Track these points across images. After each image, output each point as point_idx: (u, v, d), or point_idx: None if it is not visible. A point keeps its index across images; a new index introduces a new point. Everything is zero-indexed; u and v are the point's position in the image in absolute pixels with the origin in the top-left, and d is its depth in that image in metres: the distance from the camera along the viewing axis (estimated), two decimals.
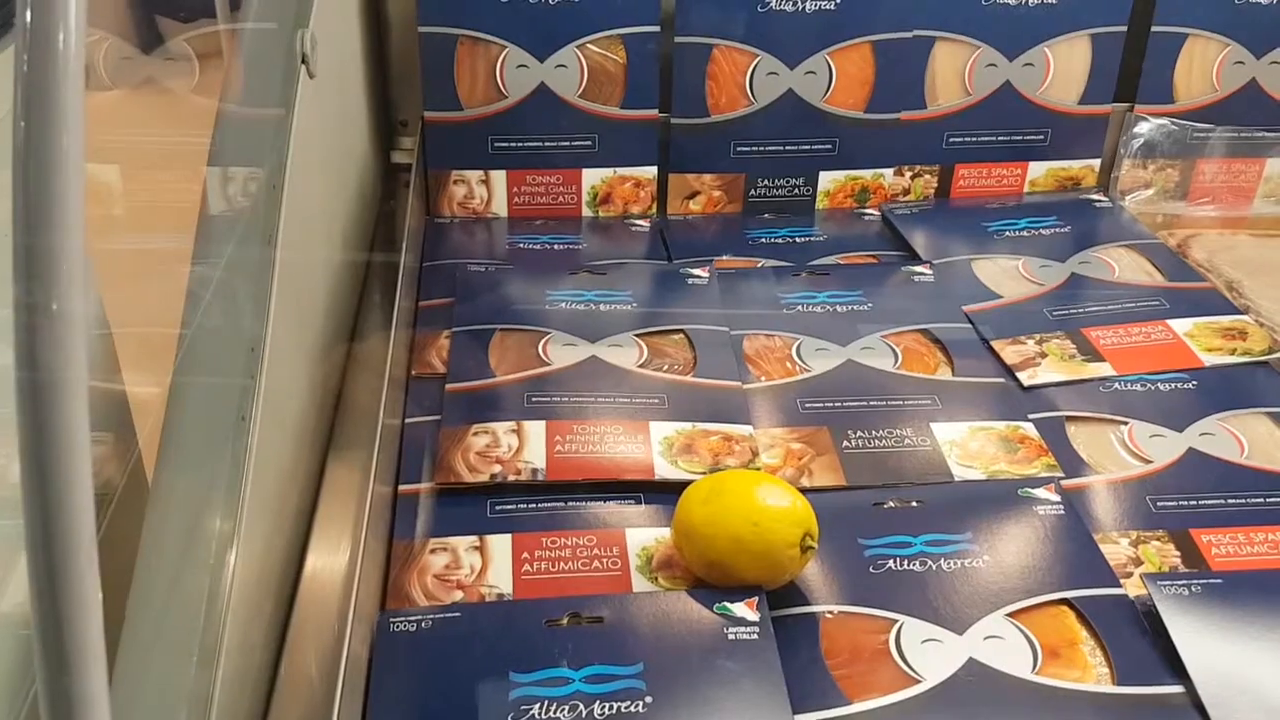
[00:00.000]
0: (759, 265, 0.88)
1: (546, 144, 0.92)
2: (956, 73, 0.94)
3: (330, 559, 0.60)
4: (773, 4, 0.89)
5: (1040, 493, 0.63)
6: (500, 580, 0.57)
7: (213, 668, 0.46)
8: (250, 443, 0.53)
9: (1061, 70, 0.94)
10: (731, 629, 0.53)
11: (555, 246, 0.90)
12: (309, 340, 0.68)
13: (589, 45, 0.89)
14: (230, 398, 0.54)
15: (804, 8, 0.89)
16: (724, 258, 0.89)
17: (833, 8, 0.90)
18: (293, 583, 0.58)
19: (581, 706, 0.49)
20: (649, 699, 0.50)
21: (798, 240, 0.92)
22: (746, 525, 0.54)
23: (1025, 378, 0.73)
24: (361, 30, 0.91)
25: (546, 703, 0.49)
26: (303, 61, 0.68)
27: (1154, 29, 0.94)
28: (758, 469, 0.64)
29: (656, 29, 0.90)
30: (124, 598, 0.45)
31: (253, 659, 0.52)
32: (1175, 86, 0.96)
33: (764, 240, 0.92)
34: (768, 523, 0.54)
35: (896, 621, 0.55)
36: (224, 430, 0.53)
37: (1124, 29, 0.93)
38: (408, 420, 0.69)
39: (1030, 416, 0.70)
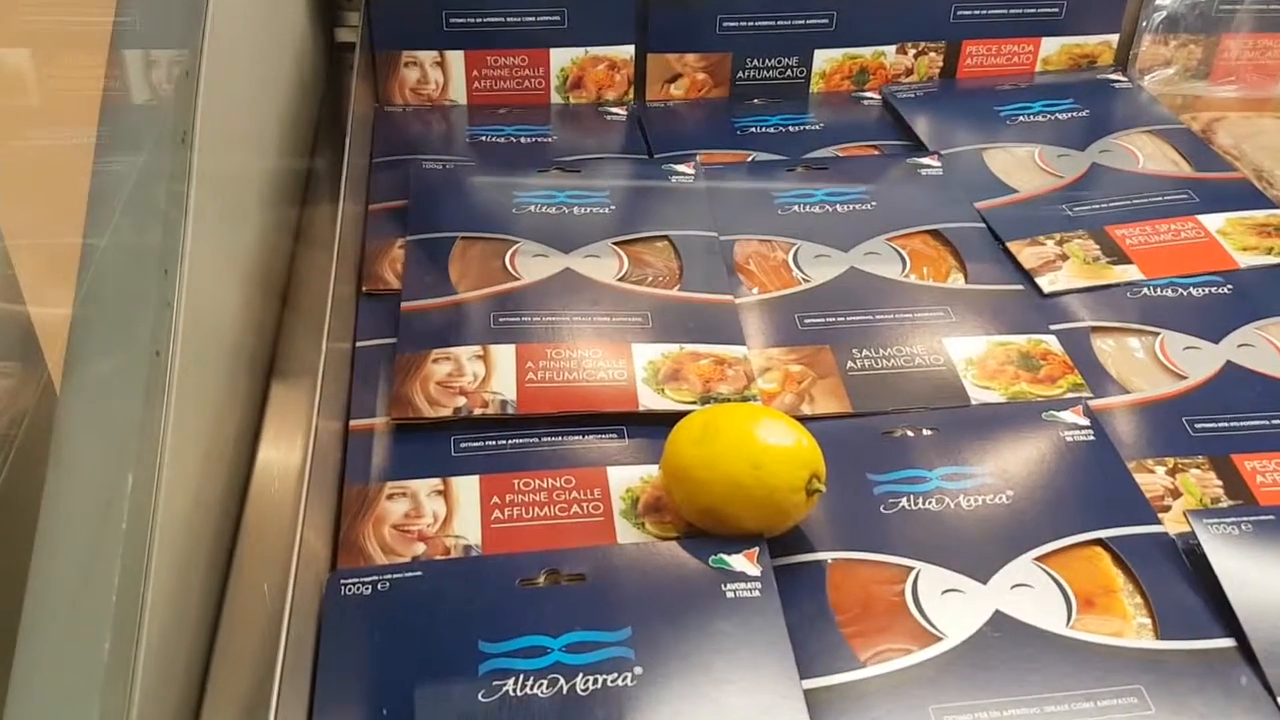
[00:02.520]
0: (749, 159, 0.80)
1: (509, 20, 0.82)
2: None
3: (273, 509, 0.53)
4: None
5: (1067, 416, 0.57)
6: (467, 530, 0.51)
7: (133, 643, 0.39)
8: (169, 381, 0.45)
9: None
10: (730, 585, 0.47)
11: (521, 139, 0.81)
12: (240, 253, 0.59)
13: None
14: (142, 329, 0.46)
15: None
16: (710, 151, 0.80)
17: None
18: (230, 538, 0.51)
19: (562, 680, 0.43)
20: (638, 669, 0.44)
21: (791, 129, 0.83)
22: (746, 468, 0.47)
23: (1045, 283, 0.66)
24: None
25: (522, 676, 0.43)
26: None
27: None
28: (754, 397, 0.58)
29: None
30: (27, 556, 0.39)
31: (183, 629, 0.45)
32: None
33: (754, 129, 0.83)
34: (770, 464, 0.47)
35: (912, 569, 0.49)
36: (136, 369, 0.45)
37: None
38: (358, 344, 0.61)
39: (1052, 328, 0.63)
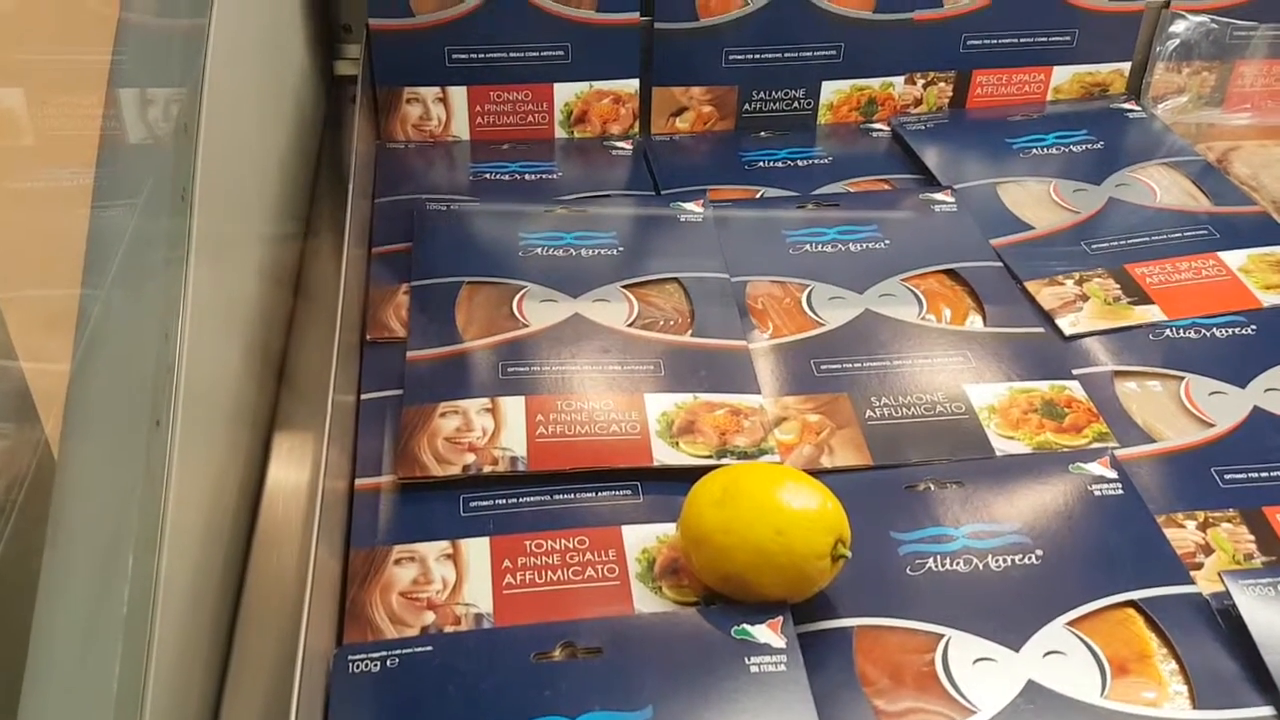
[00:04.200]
0: (758, 195, 0.78)
1: (512, 55, 0.81)
2: None
3: (277, 575, 0.51)
4: None
5: (1094, 468, 0.55)
6: (478, 597, 0.49)
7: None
8: (169, 452, 0.43)
9: None
10: (754, 659, 0.45)
11: (526, 176, 0.79)
12: (241, 308, 0.58)
13: None
14: (142, 397, 0.44)
15: None
16: (718, 186, 0.78)
17: None
18: (231, 610, 0.50)
19: None
20: None
21: (799, 163, 0.82)
22: (769, 534, 0.46)
23: (1066, 325, 0.65)
24: None
25: None
26: None
27: None
28: (772, 449, 0.56)
29: None
30: (26, 635, 0.37)
31: (185, 712, 0.43)
32: None
33: (762, 163, 0.82)
34: (793, 530, 0.46)
35: (942, 636, 0.47)
36: (137, 440, 0.43)
37: None
38: (364, 396, 0.60)
39: (1075, 372, 0.62)
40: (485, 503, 0.53)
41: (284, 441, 0.60)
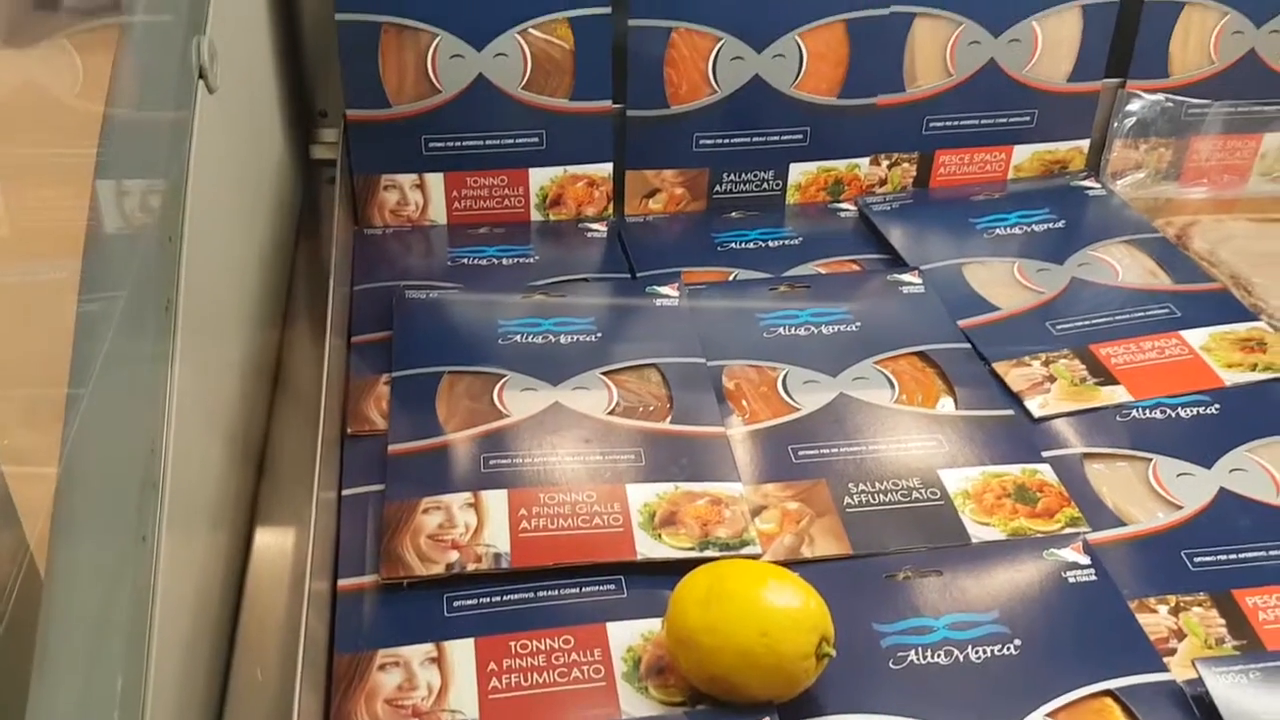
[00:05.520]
0: (731, 277, 0.79)
1: (488, 142, 0.82)
2: (937, 52, 0.85)
3: (258, 687, 0.51)
4: None
5: (1068, 554, 0.56)
6: (464, 703, 0.49)
7: None
8: (155, 570, 0.44)
9: (1050, 45, 0.86)
10: None
11: (503, 261, 0.80)
12: (222, 411, 0.58)
13: (531, 30, 0.79)
14: (128, 511, 0.44)
15: None
16: (691, 269, 0.80)
17: None
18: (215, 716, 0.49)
19: None
20: None
21: (770, 244, 0.84)
22: (754, 635, 0.46)
23: (1035, 407, 0.66)
24: (269, 14, 0.80)
25: None
26: (200, 76, 0.58)
27: None
28: (753, 540, 0.57)
29: (607, 10, 0.80)
30: None
31: None
32: (1170, 59, 0.89)
33: (734, 245, 0.83)
34: (778, 631, 0.46)
35: None
36: (124, 559, 0.43)
37: None
38: (345, 491, 0.60)
39: (1045, 454, 0.63)
40: (469, 601, 0.54)
41: (265, 537, 0.60)
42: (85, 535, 0.42)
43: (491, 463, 0.61)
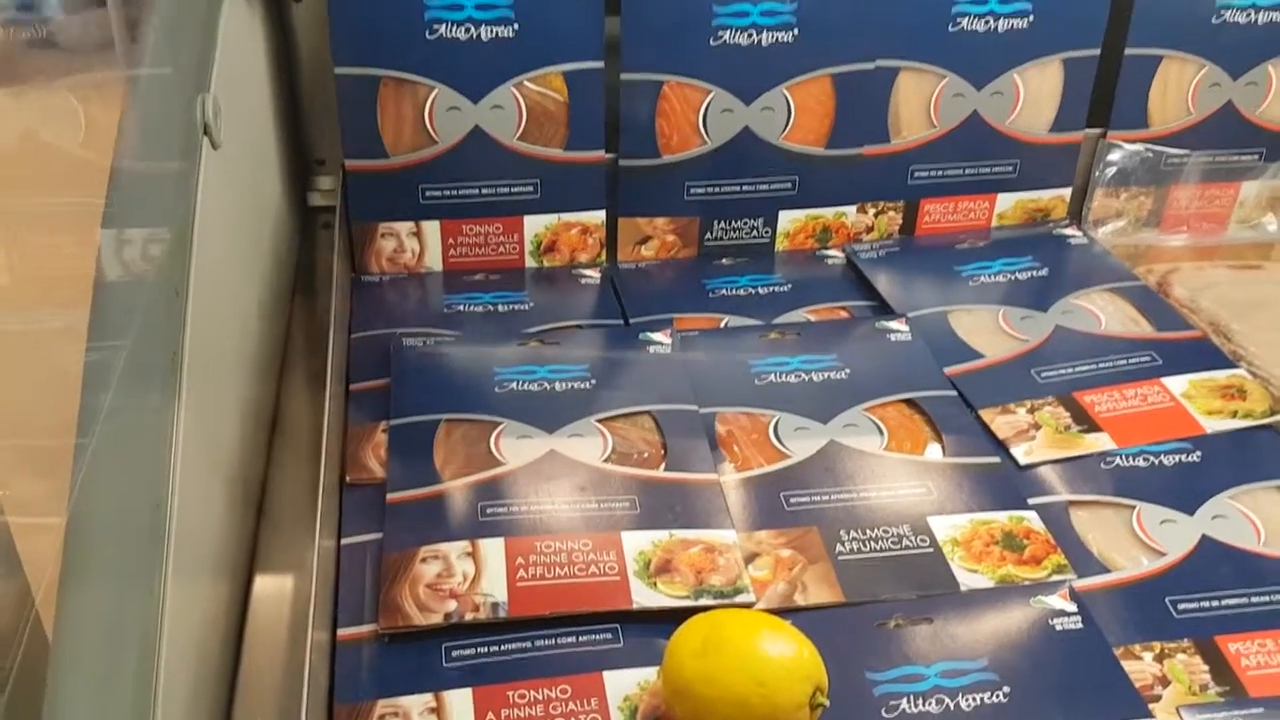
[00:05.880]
0: (722, 323, 0.81)
1: (484, 191, 0.84)
2: (921, 104, 0.87)
3: None
4: (726, 37, 0.81)
5: (1055, 601, 0.58)
6: None
7: None
8: (161, 624, 0.44)
9: (1032, 98, 0.88)
10: None
11: (499, 308, 0.82)
12: (225, 449, 0.59)
13: (526, 83, 0.81)
14: (134, 565, 0.45)
15: (759, 40, 0.82)
16: (684, 315, 0.81)
17: (790, 40, 0.82)
18: None
19: None
20: None
21: (760, 290, 0.85)
22: (750, 686, 0.47)
23: (1021, 455, 0.68)
24: (268, 67, 0.81)
25: None
26: (205, 132, 0.59)
27: (1128, 52, 0.88)
28: (746, 588, 0.58)
29: (600, 64, 0.81)
30: None
31: None
32: (1150, 111, 0.91)
33: (725, 291, 0.85)
34: (774, 682, 0.47)
35: None
36: (131, 613, 0.44)
37: (1097, 52, 0.88)
38: (344, 540, 0.61)
39: (1031, 502, 0.64)
40: (468, 651, 0.54)
41: (264, 585, 0.60)
42: (94, 588, 0.43)
43: (489, 511, 0.62)
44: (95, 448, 0.46)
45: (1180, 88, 0.90)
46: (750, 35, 0.81)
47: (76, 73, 0.72)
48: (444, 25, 0.78)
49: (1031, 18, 0.85)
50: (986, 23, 0.85)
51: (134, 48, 0.75)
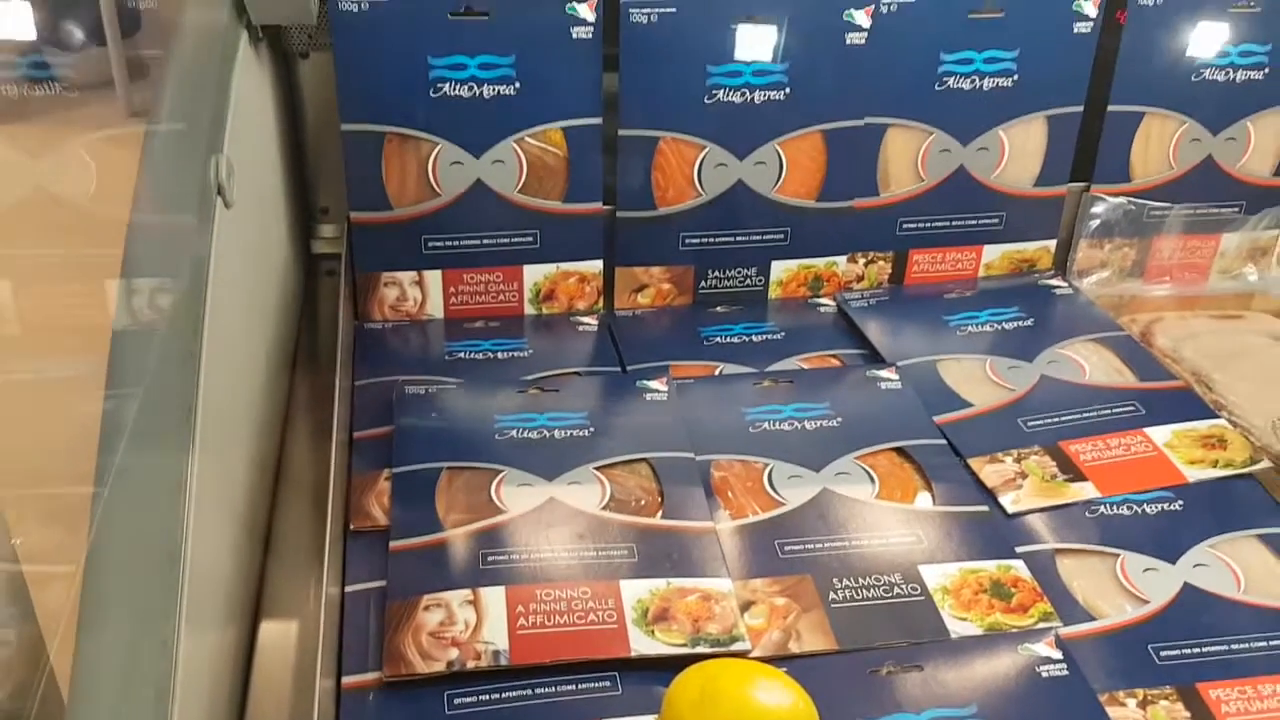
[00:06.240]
0: (717, 371, 0.83)
1: (485, 241, 0.86)
2: (909, 159, 0.90)
3: None
4: (720, 95, 0.84)
5: (1041, 648, 0.59)
6: None
7: None
8: (174, 677, 0.46)
9: (1016, 153, 0.91)
10: None
11: (499, 355, 0.84)
12: (236, 499, 0.60)
13: (527, 139, 0.83)
14: (150, 616, 0.47)
15: (752, 98, 0.84)
16: (680, 362, 0.83)
17: (782, 97, 0.85)
18: None
19: None
20: None
21: (754, 338, 0.87)
22: None
23: (1009, 503, 0.70)
24: (276, 123, 0.84)
25: None
26: (218, 193, 0.61)
27: (1110, 108, 0.91)
28: (742, 637, 0.59)
29: (599, 120, 0.84)
30: None
31: None
32: (1132, 165, 0.94)
33: (719, 339, 0.87)
34: None
35: None
36: (146, 666, 0.45)
37: (1080, 109, 0.91)
38: (348, 588, 0.62)
39: (1019, 550, 0.66)
40: (470, 698, 0.56)
41: (269, 632, 0.61)
42: (110, 637, 0.44)
43: (490, 559, 0.63)
44: (112, 499, 0.48)
45: (1161, 143, 0.93)
46: (743, 94, 0.84)
47: (76, 109, 0.74)
48: (448, 84, 0.80)
49: (1016, 76, 0.88)
50: (972, 81, 0.88)
51: (134, 87, 0.77)
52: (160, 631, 0.46)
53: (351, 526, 0.66)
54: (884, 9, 0.84)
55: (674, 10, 0.81)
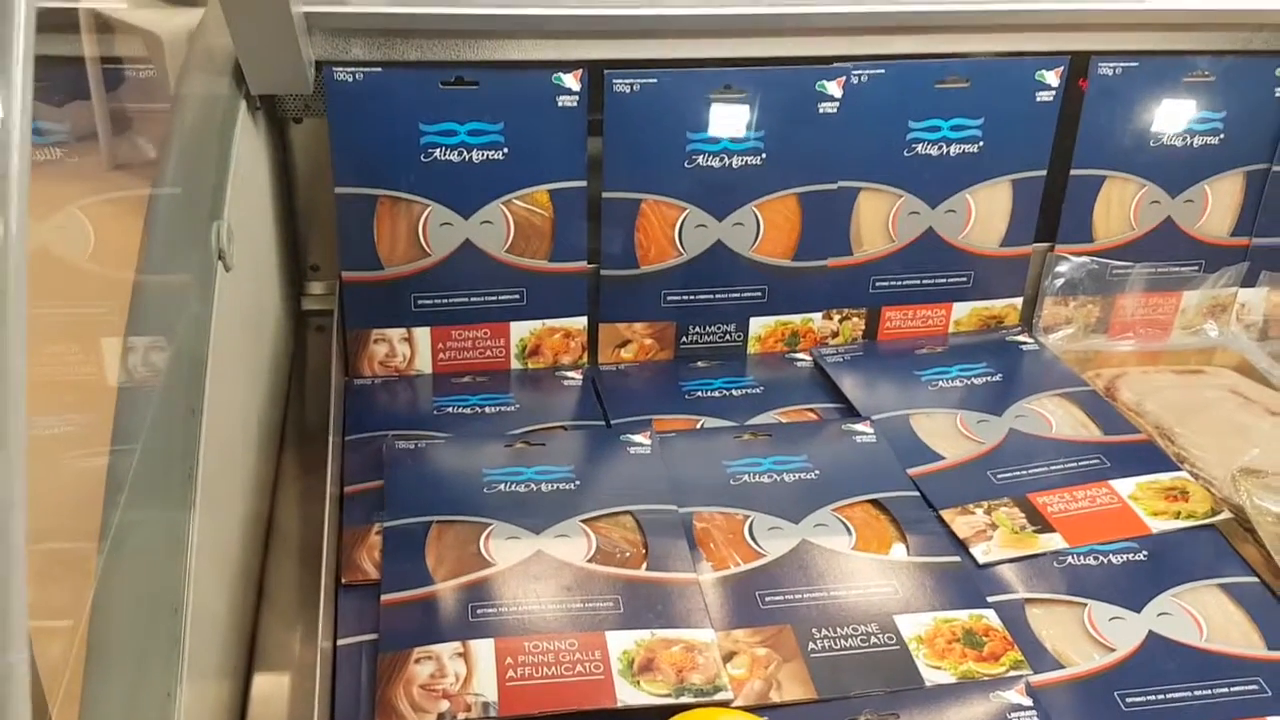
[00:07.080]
0: (698, 424, 0.85)
1: (473, 299, 0.88)
2: (880, 221, 0.94)
3: None
4: (700, 159, 0.87)
5: (1012, 695, 0.61)
6: None
7: None
8: None
9: (983, 215, 0.95)
10: None
11: (486, 409, 0.86)
12: (231, 559, 0.62)
13: (514, 201, 0.86)
14: (153, 672, 0.48)
15: (730, 163, 0.88)
16: (662, 416, 0.86)
17: (759, 162, 0.88)
18: None
19: None
20: None
21: (734, 392, 0.90)
22: None
23: (980, 554, 0.72)
24: (271, 186, 0.86)
25: None
26: (219, 258, 0.63)
27: (1073, 172, 0.95)
28: (725, 687, 0.61)
29: (583, 183, 0.87)
30: None
31: None
32: (1094, 226, 0.98)
33: (700, 393, 0.90)
34: None
35: None
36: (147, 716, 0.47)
37: (1044, 174, 0.95)
38: (340, 642, 0.64)
39: (990, 600, 0.68)
40: None
41: (262, 685, 0.63)
42: (115, 691, 0.46)
43: (479, 611, 0.65)
44: (115, 555, 0.49)
45: (1123, 205, 0.97)
46: (721, 159, 0.88)
47: (65, 160, 0.76)
48: (439, 149, 0.83)
49: (981, 143, 0.92)
50: (939, 147, 0.92)
51: (116, 140, 0.79)
52: (163, 686, 0.47)
53: (343, 580, 0.68)
54: (855, 79, 0.88)
55: (655, 80, 0.85)
